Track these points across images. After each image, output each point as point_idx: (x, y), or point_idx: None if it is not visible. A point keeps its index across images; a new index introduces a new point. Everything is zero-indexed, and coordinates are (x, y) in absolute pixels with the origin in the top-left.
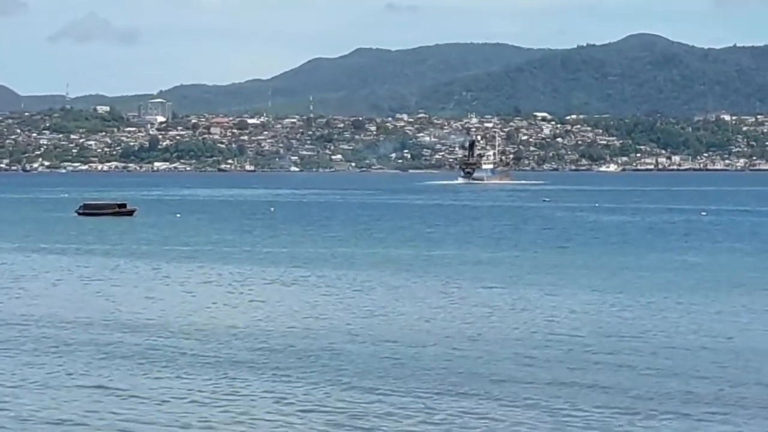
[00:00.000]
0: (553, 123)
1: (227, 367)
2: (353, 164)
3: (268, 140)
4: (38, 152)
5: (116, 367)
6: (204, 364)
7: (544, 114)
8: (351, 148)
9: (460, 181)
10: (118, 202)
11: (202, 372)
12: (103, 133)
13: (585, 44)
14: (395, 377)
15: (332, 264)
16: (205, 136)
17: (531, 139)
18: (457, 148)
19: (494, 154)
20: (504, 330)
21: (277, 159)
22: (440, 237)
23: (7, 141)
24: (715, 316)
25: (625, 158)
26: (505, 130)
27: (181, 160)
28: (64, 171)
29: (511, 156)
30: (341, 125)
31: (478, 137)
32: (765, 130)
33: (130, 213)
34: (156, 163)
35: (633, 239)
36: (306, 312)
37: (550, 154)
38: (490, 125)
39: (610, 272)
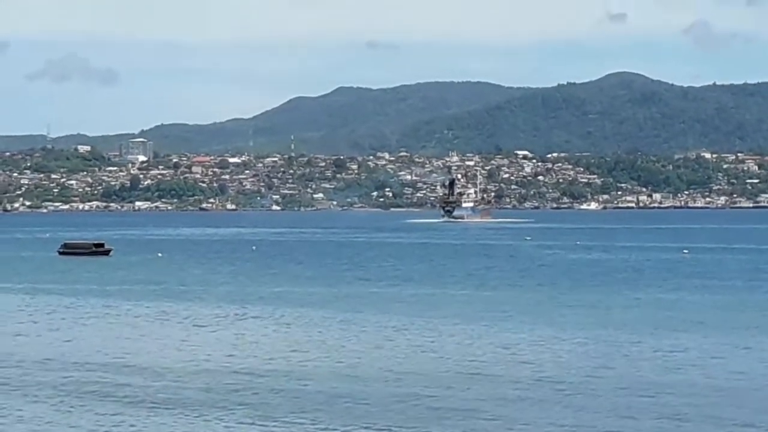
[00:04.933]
0: (534, 161)
1: (175, 405)
2: (335, 203)
3: (250, 179)
4: (19, 192)
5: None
6: (151, 402)
7: (525, 152)
8: (332, 186)
9: (440, 219)
10: (95, 242)
11: (147, 410)
12: (85, 173)
13: (565, 83)
14: (333, 414)
15: (305, 302)
16: (187, 175)
17: (512, 177)
18: (438, 187)
19: (475, 192)
20: (452, 366)
21: (258, 198)
22: (409, 275)
23: None
24: (672, 354)
25: (606, 196)
26: (486, 168)
27: (163, 200)
28: (45, 211)
29: (492, 194)
30: (323, 164)
31: (459, 175)
32: (745, 168)
33: (107, 252)
34: (137, 203)
35: (610, 277)
36: (255, 351)
37: (531, 192)
38: (471, 163)
39: (581, 310)
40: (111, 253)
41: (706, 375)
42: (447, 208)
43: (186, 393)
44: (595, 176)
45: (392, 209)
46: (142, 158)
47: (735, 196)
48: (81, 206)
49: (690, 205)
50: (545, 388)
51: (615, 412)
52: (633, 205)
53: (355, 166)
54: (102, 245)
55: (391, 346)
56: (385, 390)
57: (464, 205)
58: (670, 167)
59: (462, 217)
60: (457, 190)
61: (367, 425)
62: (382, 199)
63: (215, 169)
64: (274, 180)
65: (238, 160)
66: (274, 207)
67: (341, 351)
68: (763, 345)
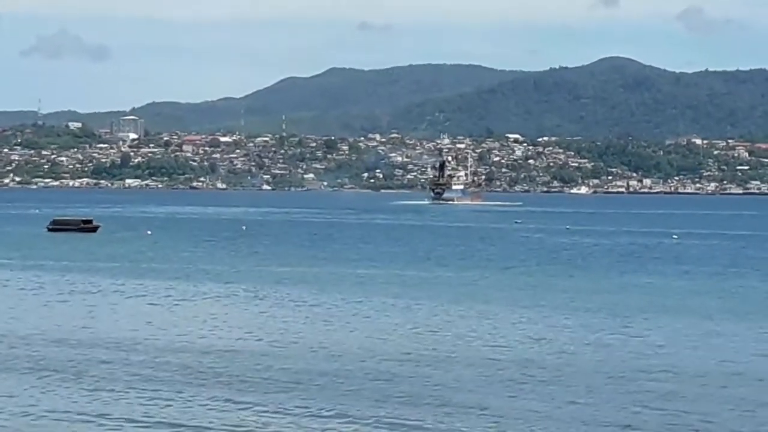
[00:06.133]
0: (525, 145)
1: (150, 382)
2: (325, 183)
3: (241, 158)
4: (9, 168)
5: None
6: (125, 379)
7: (516, 135)
8: (323, 167)
9: (430, 201)
10: (84, 219)
11: (121, 387)
12: (75, 150)
13: (557, 66)
14: (307, 393)
15: (286, 281)
16: (177, 153)
17: (503, 161)
18: (428, 169)
19: (466, 174)
20: (427, 348)
21: (249, 177)
22: (393, 256)
23: None
24: (648, 338)
25: (596, 180)
26: (477, 151)
27: (153, 178)
28: (35, 187)
29: (483, 177)
30: (314, 144)
31: (449, 158)
32: (736, 155)
33: (94, 229)
34: (128, 180)
35: (596, 262)
36: (233, 329)
37: (522, 176)
38: (462, 146)
39: (563, 294)
40: (98, 230)
41: (680, 360)
42: (437, 191)
43: (161, 370)
44: (586, 161)
45: (382, 191)
46: (133, 136)
47: (725, 182)
48: (71, 183)
49: (680, 190)
50: (518, 371)
51: (585, 395)
52: (623, 190)
53: (346, 147)
54: (90, 222)
55: (367, 327)
56: (359, 370)
57: (454, 187)
58: (661, 153)
59: (452, 200)
60: (447, 173)
61: (341, 405)
62: (372, 181)
63: (206, 148)
64: (265, 160)
65: (229, 140)
66: (265, 187)
67: (318, 330)
68: (738, 331)
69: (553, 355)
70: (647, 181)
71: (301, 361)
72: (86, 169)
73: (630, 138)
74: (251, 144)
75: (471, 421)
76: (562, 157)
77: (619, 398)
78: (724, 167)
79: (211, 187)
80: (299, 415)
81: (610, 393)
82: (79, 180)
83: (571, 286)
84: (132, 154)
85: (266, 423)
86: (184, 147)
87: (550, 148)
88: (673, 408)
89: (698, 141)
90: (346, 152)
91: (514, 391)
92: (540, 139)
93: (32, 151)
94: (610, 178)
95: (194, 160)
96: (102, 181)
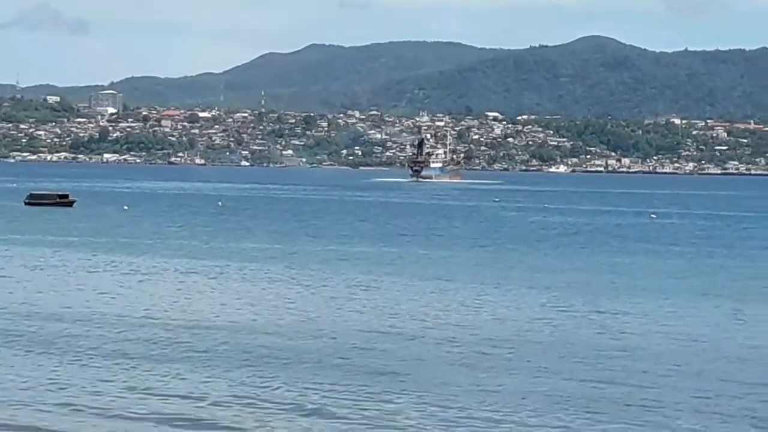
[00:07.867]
0: (504, 123)
1: (115, 356)
2: (304, 160)
3: (219, 134)
4: None
5: None
6: (90, 353)
7: (496, 114)
8: (302, 143)
9: (408, 179)
10: (59, 193)
11: (85, 360)
12: (53, 124)
13: (537, 45)
14: (258, 368)
15: (257, 258)
16: (156, 128)
17: (482, 139)
18: (407, 146)
19: (444, 152)
20: (388, 325)
21: (227, 153)
22: (366, 233)
23: None
24: (614, 318)
25: (575, 159)
26: (457, 129)
27: (131, 152)
28: (12, 161)
29: (462, 155)
30: (293, 121)
31: (428, 136)
32: (714, 135)
33: (70, 204)
34: (106, 155)
35: (570, 240)
36: (201, 304)
37: (501, 154)
38: (441, 124)
39: (534, 272)
40: (74, 205)
41: (644, 339)
42: (415, 168)
43: (127, 344)
44: (565, 139)
45: (361, 168)
46: (111, 110)
47: (703, 162)
48: (49, 157)
49: (658, 170)
50: (481, 348)
51: (548, 373)
52: (602, 169)
53: (325, 124)
54: (66, 196)
55: (333, 303)
56: (322, 346)
57: (433, 165)
58: (640, 132)
59: (430, 177)
60: (426, 150)
61: (304, 379)
62: (351, 158)
63: (185, 123)
64: (244, 135)
65: (208, 115)
66: (243, 163)
67: (284, 306)
68: (703, 310)
69: (516, 332)
70: (626, 161)
71: (265, 337)
72: (64, 143)
73: (609, 117)
74: (230, 120)
75: (432, 397)
76: (541, 135)
77: (582, 376)
78: (703, 147)
79: (189, 162)
80: (260, 389)
81: (572, 371)
82: (57, 154)
83: (542, 264)
84: (110, 128)
85: (228, 398)
86: (163, 122)
87: (529, 126)
88: (634, 386)
89: (677, 121)
90: (325, 129)
91: (477, 368)
92: (519, 118)
93: (10, 125)
94: (588, 157)
95: (173, 136)
96: (80, 156)
